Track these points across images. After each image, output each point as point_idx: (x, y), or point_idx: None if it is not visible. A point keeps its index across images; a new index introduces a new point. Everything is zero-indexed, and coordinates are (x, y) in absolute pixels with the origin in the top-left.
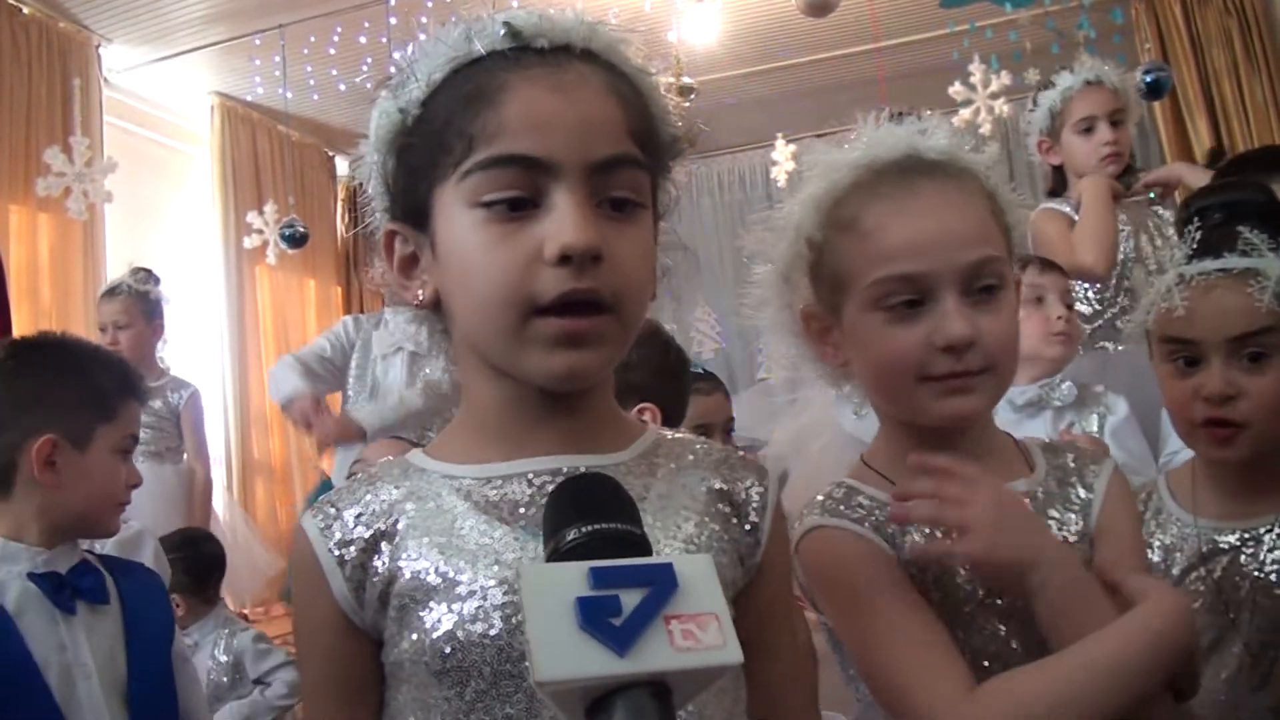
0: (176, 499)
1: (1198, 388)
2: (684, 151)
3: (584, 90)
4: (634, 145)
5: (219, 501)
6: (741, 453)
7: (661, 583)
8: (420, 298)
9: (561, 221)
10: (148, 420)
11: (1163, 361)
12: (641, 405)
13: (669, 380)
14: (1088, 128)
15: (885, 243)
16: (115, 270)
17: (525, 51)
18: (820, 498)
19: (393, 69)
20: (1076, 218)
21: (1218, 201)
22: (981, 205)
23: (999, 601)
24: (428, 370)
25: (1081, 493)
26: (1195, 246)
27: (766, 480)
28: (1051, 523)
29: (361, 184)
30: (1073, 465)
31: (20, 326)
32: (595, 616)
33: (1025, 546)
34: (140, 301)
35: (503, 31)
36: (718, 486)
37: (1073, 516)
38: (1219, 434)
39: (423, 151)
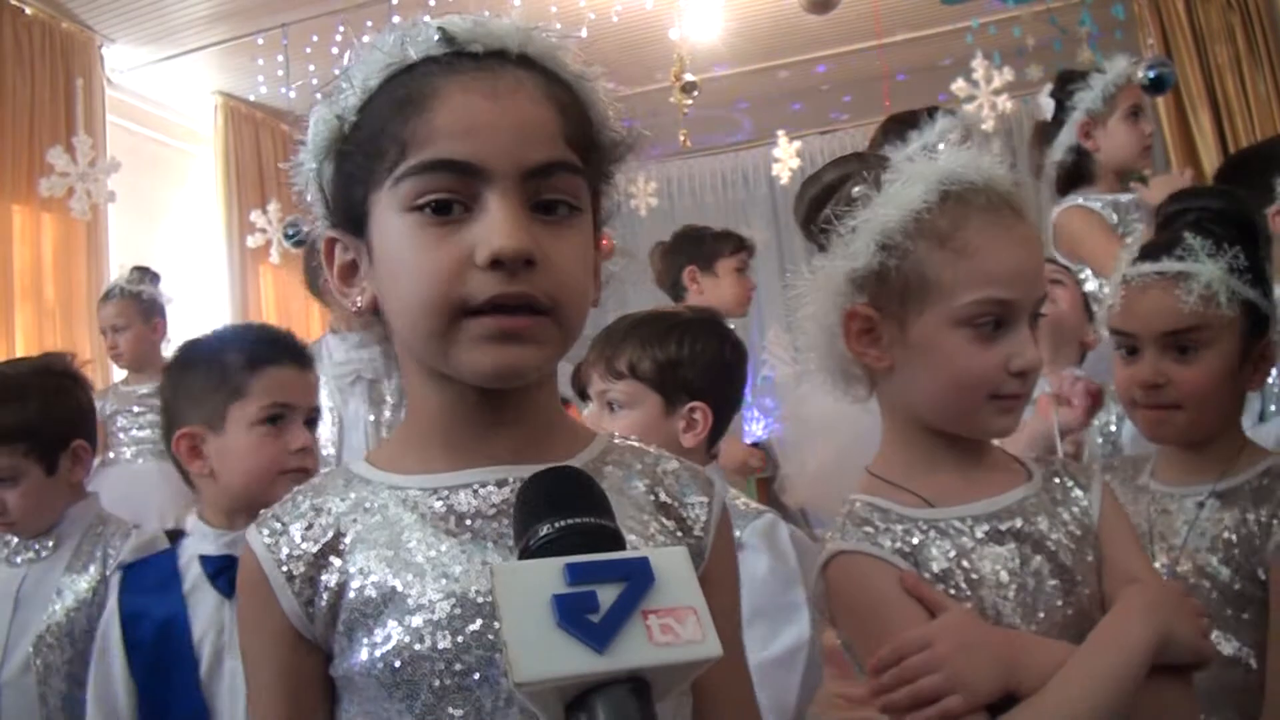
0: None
1: (1134, 375)
2: (625, 157)
3: (518, 95)
4: (570, 151)
5: None
6: (692, 466)
7: (638, 577)
8: (359, 304)
9: (493, 226)
10: (151, 419)
11: (1114, 350)
12: (692, 405)
13: (725, 376)
14: (1135, 115)
15: (991, 265)
16: (119, 270)
17: (460, 57)
18: (842, 520)
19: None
20: (1102, 213)
21: (1193, 206)
22: (1042, 243)
23: (1022, 598)
24: (387, 396)
25: (1079, 496)
26: (1140, 251)
27: (713, 493)
28: (1057, 518)
29: (300, 191)
30: (1064, 471)
31: (24, 327)
32: (573, 613)
33: (998, 665)
34: (135, 303)
35: (437, 37)
36: (662, 499)
37: (1076, 512)
38: (1151, 415)
39: (359, 158)
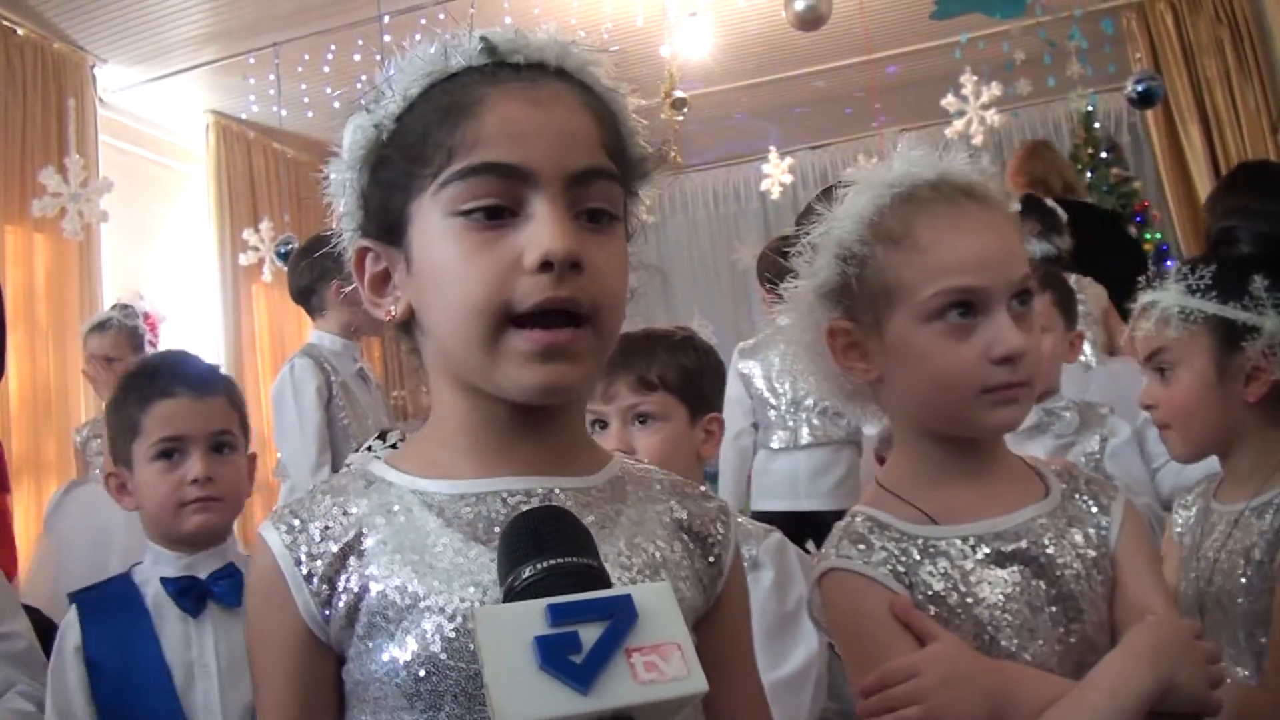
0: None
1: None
2: (652, 172)
3: (560, 103)
4: (608, 159)
5: None
6: (703, 488)
7: (621, 615)
8: (393, 313)
9: (542, 229)
10: None
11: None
12: (711, 416)
13: (722, 386)
14: None
15: (945, 256)
16: (111, 289)
17: (501, 67)
18: (840, 534)
19: (368, 87)
20: None
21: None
22: (1016, 227)
23: (1020, 624)
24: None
25: (1099, 518)
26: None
27: (728, 514)
28: (1068, 540)
29: (331, 203)
30: (1086, 488)
31: (16, 348)
32: (555, 655)
33: (985, 699)
34: (131, 336)
35: (480, 48)
36: (683, 518)
37: (1092, 534)
38: (1160, 435)
39: (399, 165)
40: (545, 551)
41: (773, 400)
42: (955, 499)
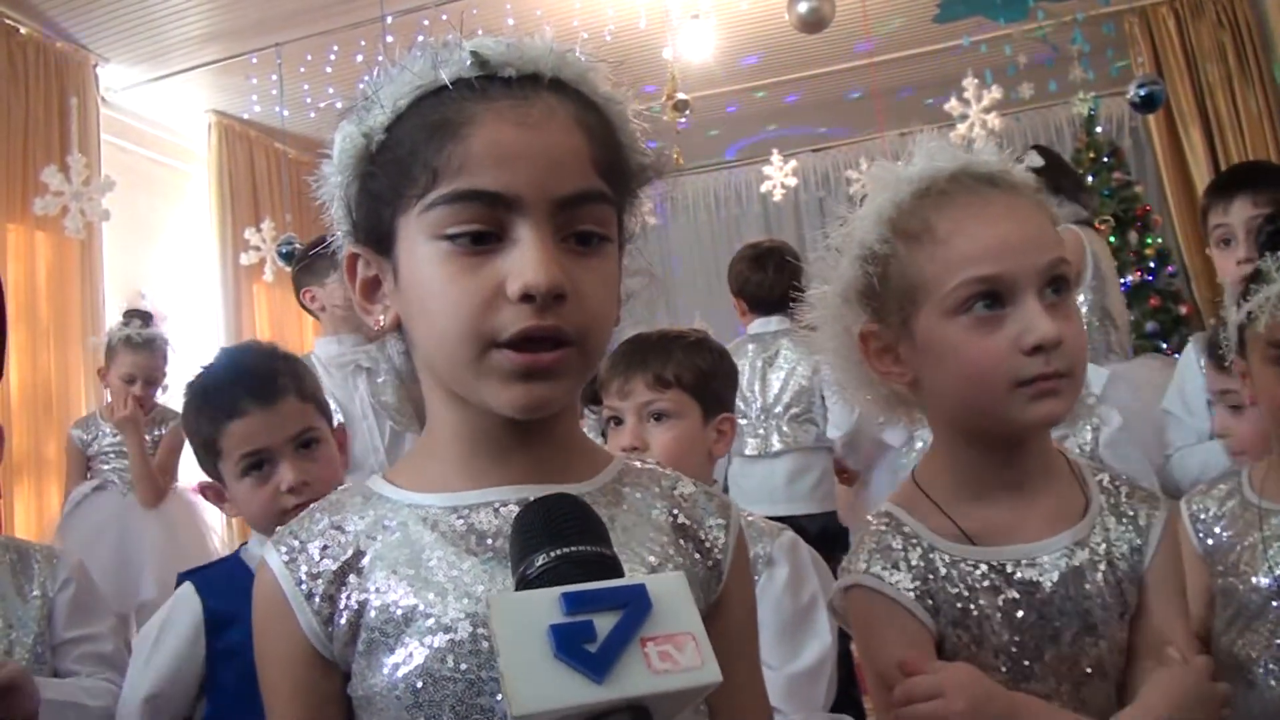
0: (173, 529)
1: None
2: (651, 179)
3: (550, 124)
4: (599, 179)
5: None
6: (707, 489)
7: (635, 604)
8: (382, 323)
9: (525, 259)
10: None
11: (1268, 365)
12: (723, 416)
13: (734, 387)
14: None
15: (966, 246)
16: (113, 287)
17: (492, 81)
18: (870, 542)
19: (362, 92)
20: None
21: None
22: (1044, 213)
23: (1036, 650)
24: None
25: (1134, 538)
26: None
27: (729, 515)
28: (1099, 562)
29: (324, 203)
30: (1127, 503)
31: (18, 347)
32: (570, 644)
33: None
34: (165, 356)
35: (469, 61)
36: (681, 521)
37: (1126, 552)
38: None
39: (386, 179)
40: (558, 539)
41: (743, 407)
42: (993, 518)
